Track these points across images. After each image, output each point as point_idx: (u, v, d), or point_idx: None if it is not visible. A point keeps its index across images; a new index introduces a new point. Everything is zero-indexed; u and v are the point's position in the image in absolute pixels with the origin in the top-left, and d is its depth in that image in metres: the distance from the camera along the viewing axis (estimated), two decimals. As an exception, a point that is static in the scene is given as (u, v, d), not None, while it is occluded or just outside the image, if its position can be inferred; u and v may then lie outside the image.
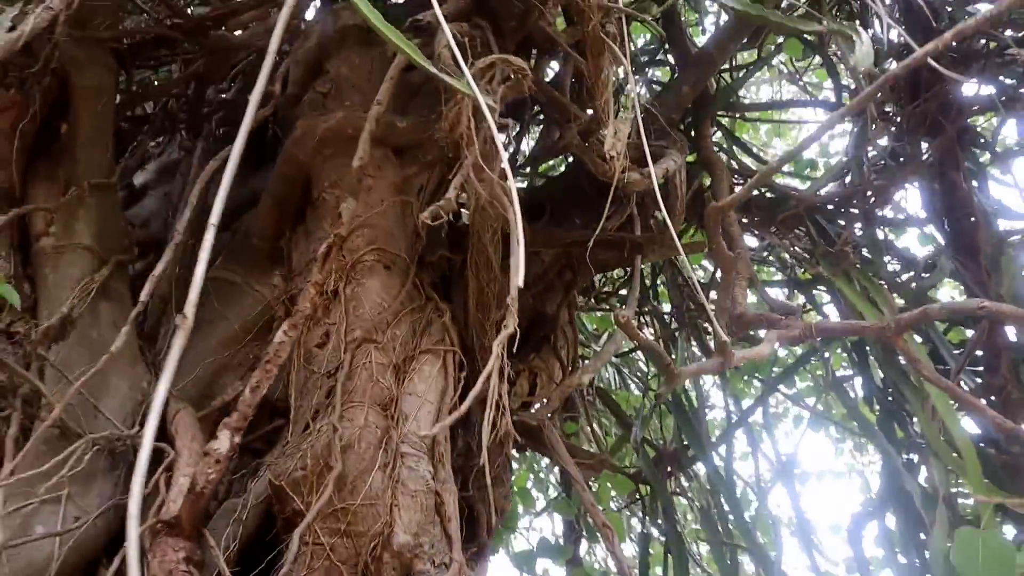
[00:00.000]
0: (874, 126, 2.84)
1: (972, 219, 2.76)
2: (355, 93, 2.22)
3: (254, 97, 1.43)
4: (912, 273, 3.09)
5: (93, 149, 1.80)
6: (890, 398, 2.91)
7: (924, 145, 2.87)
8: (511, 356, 1.88)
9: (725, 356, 1.81)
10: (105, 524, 1.46)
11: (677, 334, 3.24)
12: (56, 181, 1.77)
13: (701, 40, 3.06)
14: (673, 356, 3.15)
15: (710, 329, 3.13)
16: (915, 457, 2.86)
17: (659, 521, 2.94)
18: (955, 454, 2.21)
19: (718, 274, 3.02)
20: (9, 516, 1.38)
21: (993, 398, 2.63)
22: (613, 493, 3.14)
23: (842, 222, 2.90)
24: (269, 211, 2.10)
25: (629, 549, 3.34)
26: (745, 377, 3.49)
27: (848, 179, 2.98)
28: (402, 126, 2.17)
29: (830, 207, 2.93)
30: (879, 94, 2.96)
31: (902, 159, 2.93)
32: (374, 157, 2.13)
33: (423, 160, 2.20)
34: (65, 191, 1.77)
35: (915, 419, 2.77)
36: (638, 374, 3.66)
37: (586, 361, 3.12)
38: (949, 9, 2.87)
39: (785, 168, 3.85)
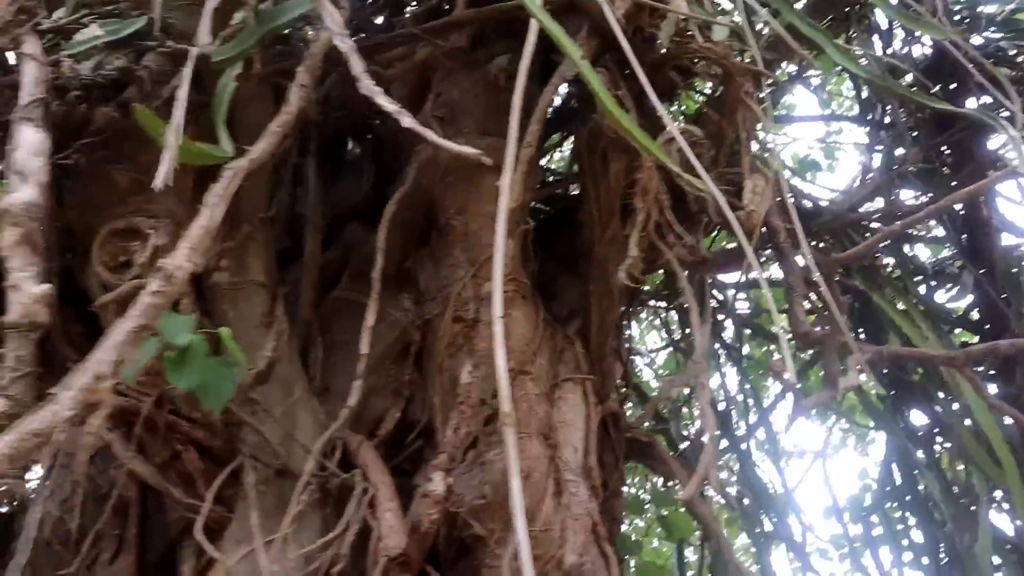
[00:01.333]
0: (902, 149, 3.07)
1: (988, 235, 3.05)
2: (468, 118, 2.28)
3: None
4: (921, 277, 3.38)
5: (256, 183, 1.84)
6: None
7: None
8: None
9: (835, 386, 2.01)
10: (328, 561, 1.55)
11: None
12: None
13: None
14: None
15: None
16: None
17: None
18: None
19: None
20: (242, 561, 1.46)
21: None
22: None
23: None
24: (394, 234, 2.16)
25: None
26: (761, 372, 3.74)
27: (870, 190, 3.21)
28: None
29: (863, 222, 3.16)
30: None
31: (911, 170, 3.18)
32: (495, 186, 2.22)
33: (532, 187, 2.30)
34: (230, 224, 1.80)
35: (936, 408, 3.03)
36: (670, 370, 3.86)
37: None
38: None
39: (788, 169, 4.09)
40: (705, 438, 1.68)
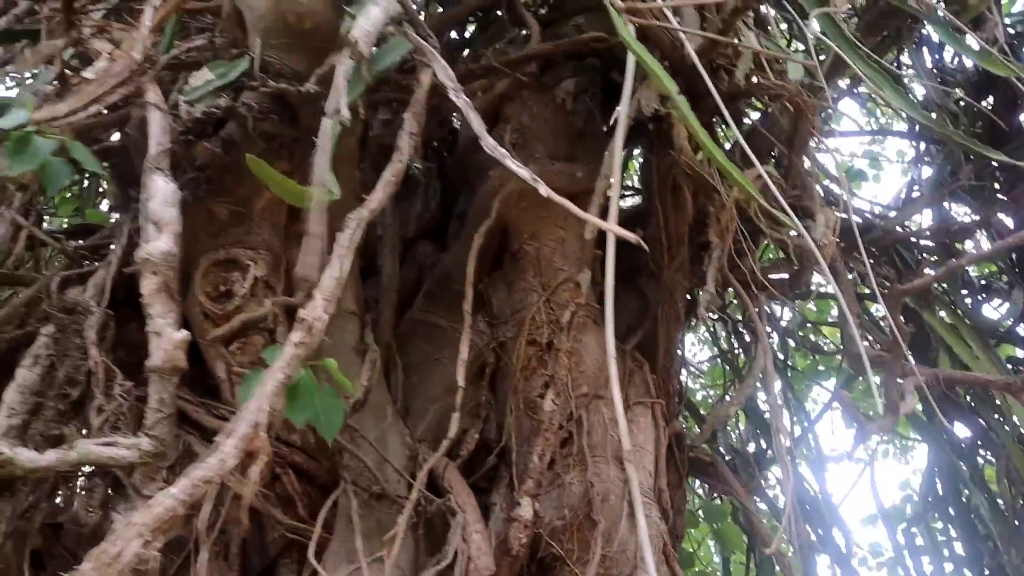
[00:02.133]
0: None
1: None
2: (539, 143, 2.35)
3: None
4: (967, 292, 3.41)
5: (348, 211, 1.91)
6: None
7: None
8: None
9: (895, 413, 2.07)
10: (426, 581, 1.63)
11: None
12: (310, 242, 1.88)
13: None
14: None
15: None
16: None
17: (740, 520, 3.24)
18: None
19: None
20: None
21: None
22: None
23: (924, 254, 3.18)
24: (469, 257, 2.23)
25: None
26: (806, 382, 3.80)
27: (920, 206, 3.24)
28: (580, 176, 2.32)
29: (913, 239, 3.20)
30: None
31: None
32: (565, 212, 2.28)
33: (589, 209, 2.36)
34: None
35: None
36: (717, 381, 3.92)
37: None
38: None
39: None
40: (785, 493, 1.74)
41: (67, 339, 1.52)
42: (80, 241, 1.85)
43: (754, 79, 1.91)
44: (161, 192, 1.31)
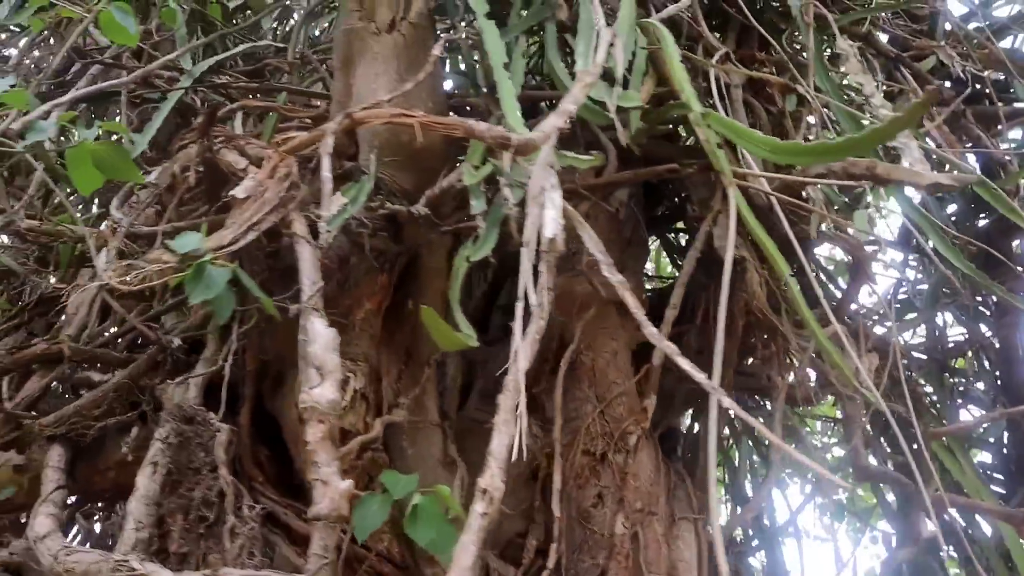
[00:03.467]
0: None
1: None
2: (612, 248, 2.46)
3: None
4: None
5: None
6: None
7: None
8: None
9: (917, 539, 2.23)
10: None
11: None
12: (397, 352, 1.95)
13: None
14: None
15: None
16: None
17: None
18: None
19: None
20: None
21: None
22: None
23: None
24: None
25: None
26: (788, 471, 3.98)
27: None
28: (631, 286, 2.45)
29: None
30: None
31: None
32: (615, 321, 2.40)
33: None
34: (406, 361, 1.95)
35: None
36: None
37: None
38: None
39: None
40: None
41: (185, 449, 1.57)
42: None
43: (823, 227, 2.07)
44: (322, 337, 1.38)
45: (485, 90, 2.08)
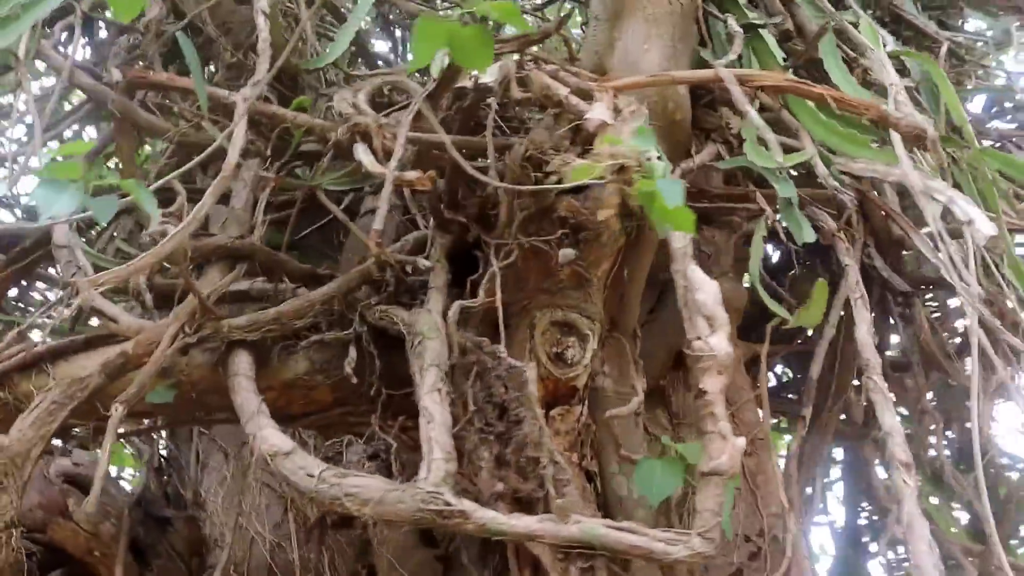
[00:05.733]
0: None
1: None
2: (726, 257, 2.50)
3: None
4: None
5: (637, 297, 1.95)
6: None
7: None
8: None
9: None
10: None
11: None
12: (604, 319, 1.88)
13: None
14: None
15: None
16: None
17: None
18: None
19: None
20: None
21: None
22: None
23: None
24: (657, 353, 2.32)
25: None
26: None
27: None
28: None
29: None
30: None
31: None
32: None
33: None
34: (610, 330, 1.89)
35: None
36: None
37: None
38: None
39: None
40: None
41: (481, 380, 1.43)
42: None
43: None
44: (708, 286, 1.33)
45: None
